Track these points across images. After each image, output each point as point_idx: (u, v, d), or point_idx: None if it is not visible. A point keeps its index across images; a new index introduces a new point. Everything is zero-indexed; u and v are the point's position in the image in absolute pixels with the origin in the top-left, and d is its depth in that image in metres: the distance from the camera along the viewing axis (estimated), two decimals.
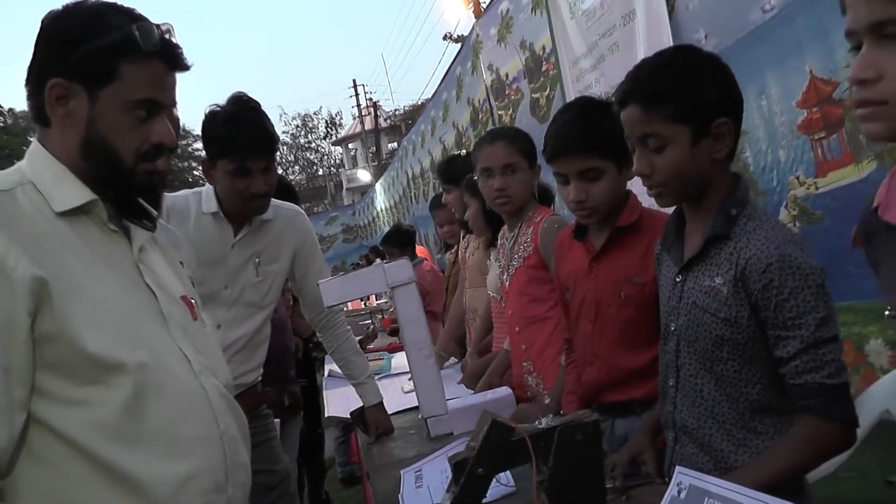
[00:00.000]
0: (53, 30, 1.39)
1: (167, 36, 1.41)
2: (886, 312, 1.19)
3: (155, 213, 1.52)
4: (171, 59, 1.43)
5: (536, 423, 1.55)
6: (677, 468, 1.33)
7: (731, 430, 1.54)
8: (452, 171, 3.78)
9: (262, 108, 2.35)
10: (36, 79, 1.39)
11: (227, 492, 1.46)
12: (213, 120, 2.31)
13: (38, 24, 1.39)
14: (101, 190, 1.42)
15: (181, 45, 1.44)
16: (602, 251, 2.02)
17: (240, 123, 2.27)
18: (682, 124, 1.48)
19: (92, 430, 1.28)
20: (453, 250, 4.54)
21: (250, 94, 2.36)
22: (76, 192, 1.39)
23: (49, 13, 1.40)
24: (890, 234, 1.12)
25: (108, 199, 1.44)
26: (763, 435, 1.51)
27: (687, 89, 1.47)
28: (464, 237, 3.99)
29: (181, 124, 1.53)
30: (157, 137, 1.43)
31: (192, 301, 1.59)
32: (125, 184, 1.43)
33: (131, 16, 1.40)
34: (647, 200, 1.84)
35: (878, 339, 2.80)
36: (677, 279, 1.61)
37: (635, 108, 1.52)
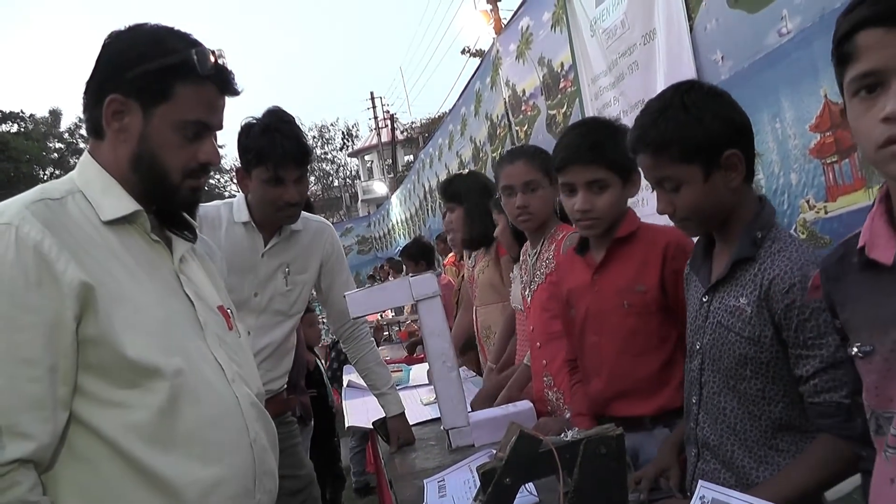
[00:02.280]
0: (115, 48, 1.46)
1: (221, 61, 1.48)
2: (854, 350, 1.20)
3: (196, 224, 1.59)
4: (223, 83, 1.50)
5: (562, 435, 1.59)
6: (700, 482, 1.37)
7: (753, 447, 1.57)
8: (454, 189, 3.83)
9: (296, 121, 2.43)
10: (95, 93, 1.46)
11: (255, 497, 1.50)
12: (250, 131, 2.40)
13: (100, 42, 1.48)
14: (146, 202, 1.49)
15: (233, 71, 1.51)
16: (602, 264, 2.10)
17: (275, 134, 2.36)
18: (692, 164, 1.54)
19: (128, 432, 1.34)
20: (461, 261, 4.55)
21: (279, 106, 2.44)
22: (122, 203, 1.45)
23: (112, 33, 1.48)
24: (865, 275, 1.16)
25: (151, 211, 1.51)
26: (784, 452, 1.55)
27: (689, 131, 1.53)
28: (469, 256, 4.02)
29: None
30: (205, 157, 1.50)
31: (229, 311, 1.65)
32: (170, 198, 1.50)
33: (188, 40, 1.48)
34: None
35: None
36: (704, 299, 1.65)
37: (645, 155, 1.60)
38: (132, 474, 1.34)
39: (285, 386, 2.66)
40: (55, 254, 1.30)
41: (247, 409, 1.52)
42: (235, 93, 1.52)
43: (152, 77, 1.42)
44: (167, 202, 1.51)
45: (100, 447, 1.33)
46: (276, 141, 2.34)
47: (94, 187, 1.45)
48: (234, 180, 2.54)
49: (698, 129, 1.52)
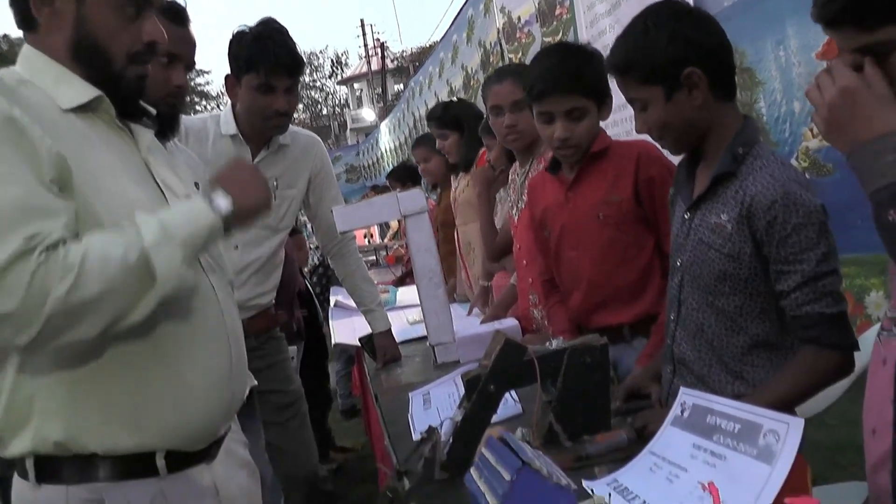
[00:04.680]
0: None
1: None
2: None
3: (153, 111, 1.51)
4: None
5: (546, 344, 1.61)
6: (682, 389, 1.39)
7: (729, 362, 1.60)
8: (453, 114, 3.79)
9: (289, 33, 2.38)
10: None
11: (230, 387, 1.49)
12: (242, 38, 2.36)
13: None
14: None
15: None
16: (576, 180, 2.12)
17: (268, 41, 2.31)
18: (653, 85, 1.56)
19: None
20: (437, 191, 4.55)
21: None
22: (81, 90, 1.35)
23: None
24: None
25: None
26: (759, 368, 1.57)
27: (645, 54, 1.56)
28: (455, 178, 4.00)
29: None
30: (149, 36, 1.39)
31: None
32: (115, 86, 1.38)
33: None
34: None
35: (878, 292, 2.84)
36: (686, 217, 1.66)
37: (615, 77, 1.65)
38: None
39: (273, 302, 2.65)
40: (27, 123, 1.20)
41: (223, 297, 1.49)
42: None
43: None
44: (112, 91, 1.38)
45: None
46: (268, 48, 2.30)
47: (45, 77, 1.34)
48: (224, 90, 2.48)
49: (654, 51, 1.54)
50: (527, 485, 0.94)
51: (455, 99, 4.51)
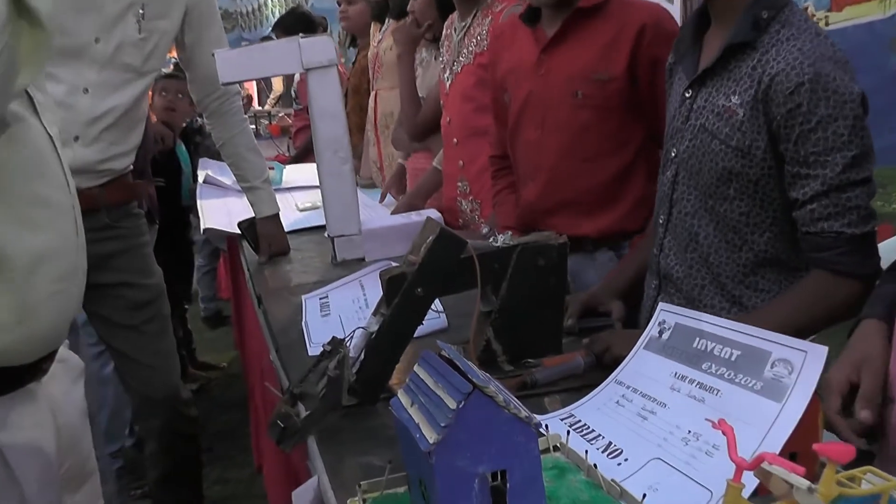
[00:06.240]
0: None
1: None
2: None
3: None
4: None
5: (490, 240, 1.55)
6: (660, 305, 1.36)
7: (727, 283, 1.57)
8: None
9: None
10: None
11: (77, 277, 1.48)
12: None
13: None
14: None
15: None
16: (555, 39, 1.99)
17: None
18: None
19: None
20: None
21: None
22: None
23: None
24: None
25: None
26: (764, 293, 1.55)
27: None
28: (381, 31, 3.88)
29: None
30: None
31: None
32: None
33: None
34: None
35: None
36: (686, 94, 1.59)
37: None
38: None
39: (131, 167, 2.53)
40: None
41: (64, 159, 1.46)
42: None
43: None
44: None
45: None
46: None
47: None
48: None
49: None
50: (477, 415, 0.89)
51: None
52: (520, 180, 2.13)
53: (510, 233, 1.55)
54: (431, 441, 0.86)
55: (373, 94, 3.83)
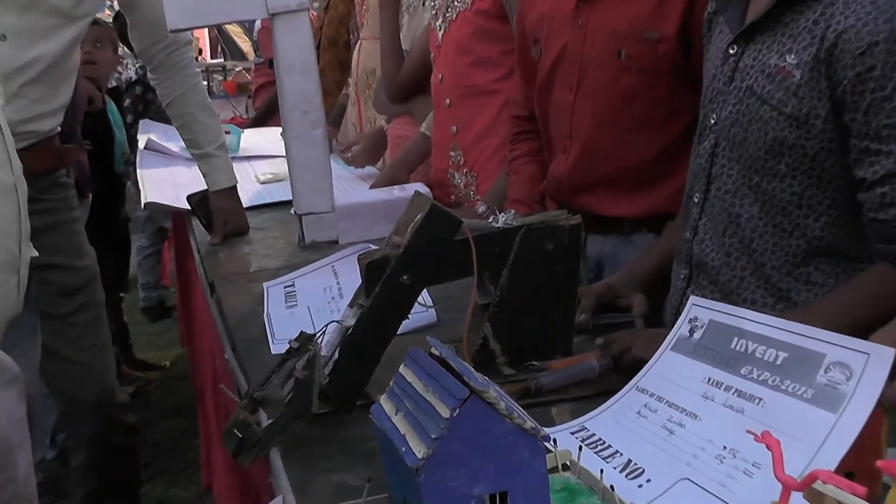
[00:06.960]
0: None
1: None
2: None
3: None
4: None
5: (490, 220, 1.54)
6: (691, 299, 1.36)
7: (773, 275, 1.57)
8: None
9: None
10: None
11: (18, 268, 1.51)
12: None
13: None
14: None
15: None
16: None
17: None
18: None
19: None
20: None
21: None
22: None
23: None
24: None
25: None
26: (817, 287, 1.54)
27: None
28: None
29: None
30: None
31: None
32: None
33: None
34: None
35: None
36: (731, 51, 1.59)
37: None
38: None
39: (58, 130, 2.53)
40: None
41: (4, 125, 1.50)
42: None
43: None
44: None
45: None
46: None
47: None
48: None
49: None
50: (474, 425, 0.88)
51: None
52: (549, 150, 2.13)
53: (513, 211, 1.55)
54: (420, 456, 0.86)
55: (357, 45, 3.81)
